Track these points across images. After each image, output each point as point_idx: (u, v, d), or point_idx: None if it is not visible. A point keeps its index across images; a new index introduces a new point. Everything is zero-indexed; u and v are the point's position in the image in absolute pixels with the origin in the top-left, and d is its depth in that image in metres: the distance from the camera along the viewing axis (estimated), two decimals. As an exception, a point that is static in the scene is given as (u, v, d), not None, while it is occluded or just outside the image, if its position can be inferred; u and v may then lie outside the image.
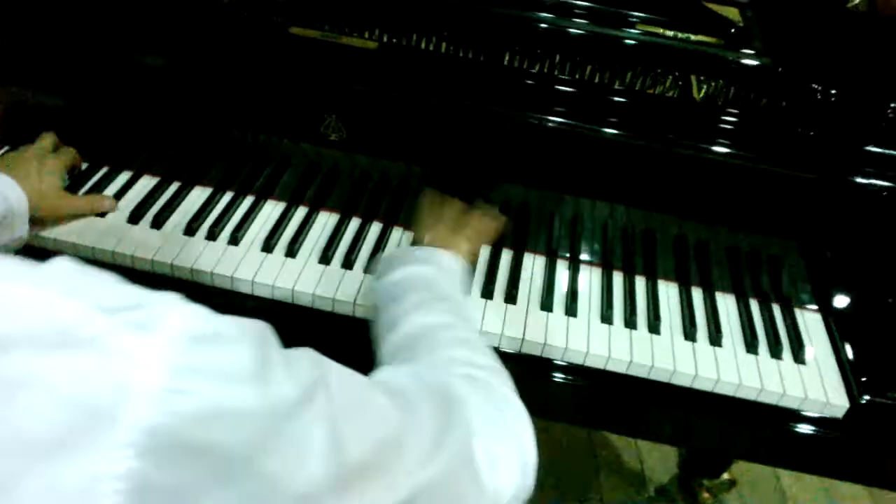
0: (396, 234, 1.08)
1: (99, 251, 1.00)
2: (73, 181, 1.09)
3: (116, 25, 1.05)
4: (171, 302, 0.43)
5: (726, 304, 1.04)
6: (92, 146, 1.13)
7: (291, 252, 1.02)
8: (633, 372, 0.95)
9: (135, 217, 1.05)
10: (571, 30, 1.05)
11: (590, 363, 0.95)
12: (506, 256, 1.07)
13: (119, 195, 1.08)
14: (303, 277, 0.99)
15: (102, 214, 1.05)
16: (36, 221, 0.94)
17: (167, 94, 1.07)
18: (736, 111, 1.01)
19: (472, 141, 1.02)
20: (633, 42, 1.04)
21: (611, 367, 0.95)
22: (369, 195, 1.10)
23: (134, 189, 1.10)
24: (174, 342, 0.40)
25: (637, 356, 0.94)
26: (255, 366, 0.43)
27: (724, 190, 1.00)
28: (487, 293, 1.01)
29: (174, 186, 1.11)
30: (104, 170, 1.12)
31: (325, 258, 1.02)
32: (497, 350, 0.93)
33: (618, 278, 1.06)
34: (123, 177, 1.12)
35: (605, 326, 0.98)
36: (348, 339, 0.96)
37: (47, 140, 1.05)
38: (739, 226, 1.04)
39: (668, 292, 1.05)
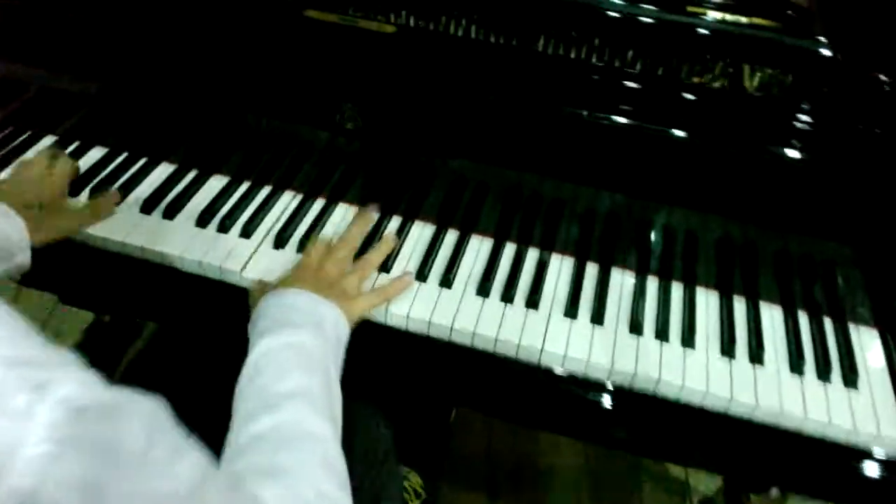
0: (416, 229, 1.02)
1: (111, 242, 0.97)
2: (92, 169, 1.07)
3: (132, 8, 1.02)
4: (68, 365, 0.42)
5: (772, 317, 0.95)
6: (107, 132, 1.11)
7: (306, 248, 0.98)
8: (663, 391, 0.87)
9: (148, 207, 1.02)
10: (610, 12, 0.96)
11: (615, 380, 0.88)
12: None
13: (133, 182, 1.05)
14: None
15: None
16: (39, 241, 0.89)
17: (181, 79, 1.03)
18: (793, 104, 0.91)
19: (496, 133, 0.95)
20: (676, 25, 0.95)
21: (638, 386, 0.87)
22: (389, 188, 1.04)
23: (150, 177, 1.07)
24: (63, 409, 0.39)
25: (666, 374, 0.86)
26: (138, 447, 0.42)
27: (775, 188, 0.90)
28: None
29: (190, 175, 1.07)
30: (122, 156, 1.10)
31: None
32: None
33: (651, 285, 0.97)
34: (139, 163, 1.09)
35: (634, 338, 0.90)
36: (371, 349, 0.92)
37: (46, 154, 1.01)
38: (791, 228, 0.94)
39: (708, 301, 0.96)
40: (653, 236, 0.99)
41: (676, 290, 0.97)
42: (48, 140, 1.12)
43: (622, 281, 0.97)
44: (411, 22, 0.98)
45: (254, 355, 0.74)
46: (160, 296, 1.01)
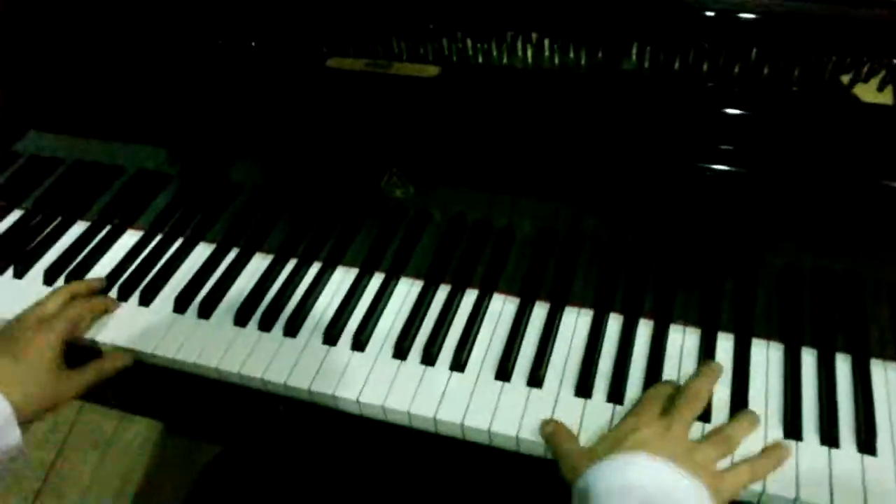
0: (496, 303, 0.83)
1: (142, 354, 0.83)
2: (123, 261, 0.93)
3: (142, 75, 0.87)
4: None
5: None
6: (140, 211, 0.97)
7: (359, 344, 0.80)
8: None
9: (181, 304, 0.87)
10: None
11: None
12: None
13: (167, 271, 0.91)
14: (371, 380, 0.77)
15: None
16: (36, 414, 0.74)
17: (215, 148, 0.88)
18: None
19: (588, 183, 0.74)
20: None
21: None
22: (458, 259, 0.84)
23: (186, 263, 0.93)
24: None
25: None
26: None
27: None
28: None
29: (230, 258, 0.92)
30: (156, 240, 0.96)
31: (400, 351, 0.79)
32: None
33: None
34: (174, 247, 0.94)
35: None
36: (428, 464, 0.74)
37: (51, 304, 0.82)
38: None
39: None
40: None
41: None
42: (79, 227, 1.00)
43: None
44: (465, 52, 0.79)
45: None
46: (206, 408, 0.87)
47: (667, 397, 0.69)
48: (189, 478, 1.33)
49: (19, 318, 0.80)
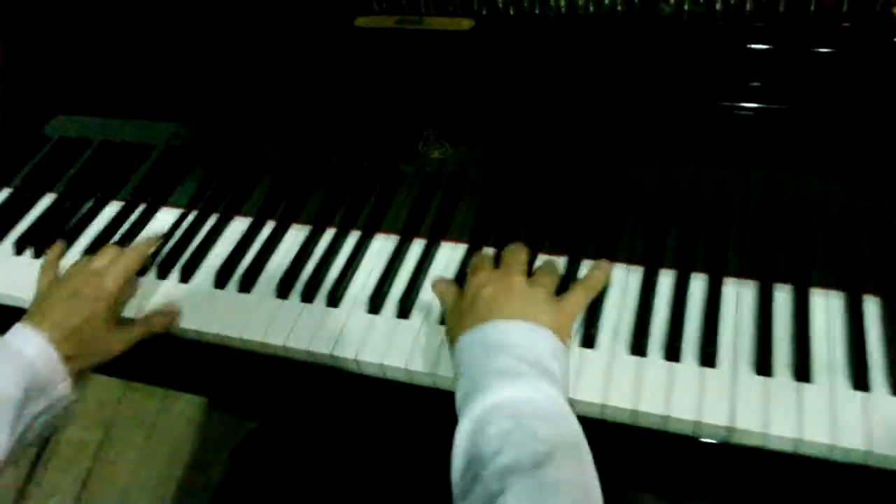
0: (540, 260, 0.81)
1: (187, 331, 0.83)
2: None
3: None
4: None
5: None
6: (174, 187, 0.96)
7: (404, 312, 0.79)
8: None
9: (222, 280, 0.86)
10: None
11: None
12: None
13: (205, 248, 0.90)
14: (416, 347, 0.76)
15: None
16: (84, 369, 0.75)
17: (247, 120, 0.86)
18: None
19: (629, 137, 0.71)
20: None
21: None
22: (499, 218, 0.83)
23: (224, 238, 0.92)
24: None
25: None
26: None
27: None
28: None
29: (266, 231, 0.91)
30: (192, 217, 0.95)
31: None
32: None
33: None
34: (210, 223, 0.93)
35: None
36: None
37: (101, 259, 0.81)
38: None
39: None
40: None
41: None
42: (112, 208, 0.99)
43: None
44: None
45: (460, 436, 0.58)
46: (253, 383, 0.87)
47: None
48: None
49: (71, 272, 0.80)
